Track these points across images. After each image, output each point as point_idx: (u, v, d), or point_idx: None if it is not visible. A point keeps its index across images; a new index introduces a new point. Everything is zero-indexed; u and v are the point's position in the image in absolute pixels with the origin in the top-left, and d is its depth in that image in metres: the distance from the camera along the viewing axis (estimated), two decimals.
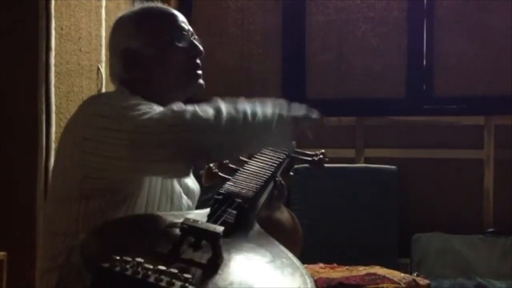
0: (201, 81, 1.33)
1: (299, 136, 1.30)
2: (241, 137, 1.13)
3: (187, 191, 1.36)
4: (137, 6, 1.35)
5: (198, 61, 1.32)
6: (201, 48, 1.32)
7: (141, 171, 1.15)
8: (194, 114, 1.07)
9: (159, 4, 1.37)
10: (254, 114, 1.12)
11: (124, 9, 2.84)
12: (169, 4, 3.14)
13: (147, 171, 1.16)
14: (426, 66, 3.09)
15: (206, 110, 1.08)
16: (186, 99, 1.30)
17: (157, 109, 1.12)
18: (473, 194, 2.94)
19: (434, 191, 2.99)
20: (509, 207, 2.88)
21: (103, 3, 2.68)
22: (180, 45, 1.30)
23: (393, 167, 2.94)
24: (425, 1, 3.10)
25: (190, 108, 1.09)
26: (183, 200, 1.32)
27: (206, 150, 1.08)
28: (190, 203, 1.36)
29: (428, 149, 3.03)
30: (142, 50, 1.29)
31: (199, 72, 1.33)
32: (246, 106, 1.13)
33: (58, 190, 1.24)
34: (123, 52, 1.30)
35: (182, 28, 1.32)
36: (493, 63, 3.01)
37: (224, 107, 1.10)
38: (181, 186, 1.34)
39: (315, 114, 1.29)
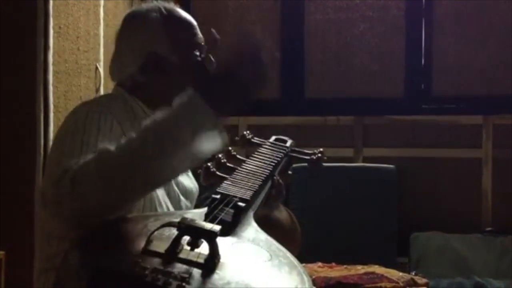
0: None
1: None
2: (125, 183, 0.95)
3: (185, 191, 1.36)
4: (160, 5, 1.32)
5: None
6: (214, 60, 1.34)
7: None
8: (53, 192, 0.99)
9: (180, 9, 1.35)
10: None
11: (123, 8, 2.85)
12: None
13: None
14: (424, 65, 3.10)
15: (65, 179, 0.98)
16: None
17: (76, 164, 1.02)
18: (471, 193, 2.95)
19: (433, 190, 2.99)
20: (507, 206, 2.89)
21: (102, 2, 2.68)
22: (200, 55, 1.31)
23: (391, 166, 2.94)
24: (423, 0, 3.10)
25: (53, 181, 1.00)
26: (181, 203, 1.32)
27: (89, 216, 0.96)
28: (189, 204, 1.35)
29: (427, 148, 3.03)
30: (168, 56, 1.28)
31: None
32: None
33: (47, 192, 1.23)
34: (148, 55, 1.28)
35: (201, 40, 1.34)
36: (492, 62, 3.01)
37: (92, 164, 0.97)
38: (178, 187, 1.34)
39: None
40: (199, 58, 1.31)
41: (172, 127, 0.96)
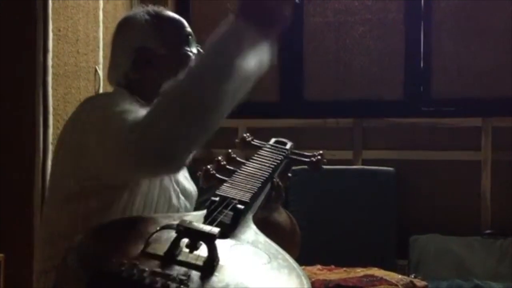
0: None
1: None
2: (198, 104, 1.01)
3: (184, 192, 1.37)
4: (148, 9, 1.39)
5: None
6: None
7: (129, 179, 1.19)
8: (144, 122, 1.03)
9: (168, 10, 1.42)
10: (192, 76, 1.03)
11: (122, 10, 2.86)
12: (167, 5, 3.14)
13: (134, 178, 1.19)
14: (423, 67, 3.10)
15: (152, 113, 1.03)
16: None
17: (136, 118, 1.09)
18: (470, 196, 2.94)
19: (432, 192, 2.99)
20: (507, 209, 2.89)
21: (101, 4, 2.68)
22: (190, 50, 1.36)
23: (390, 168, 2.94)
24: (422, 2, 3.10)
25: (143, 115, 1.05)
26: (180, 201, 1.33)
27: (175, 144, 1.01)
28: (188, 205, 1.36)
29: (426, 151, 3.03)
30: (156, 50, 1.33)
31: None
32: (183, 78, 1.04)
33: (56, 191, 1.25)
34: (137, 50, 1.33)
35: (191, 35, 1.39)
36: (491, 64, 3.01)
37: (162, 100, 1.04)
38: (178, 185, 1.35)
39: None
40: (188, 50, 1.36)
41: (217, 46, 1.03)
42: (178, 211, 1.31)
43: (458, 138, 3.01)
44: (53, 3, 2.27)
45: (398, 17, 3.13)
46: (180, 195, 1.34)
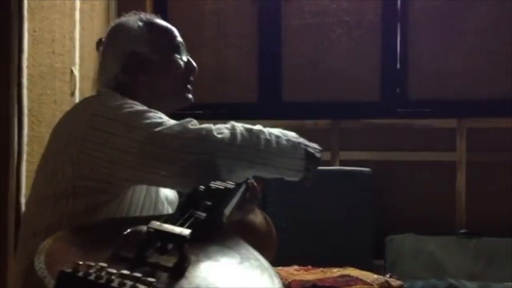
0: (190, 95, 1.41)
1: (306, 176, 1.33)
2: (253, 159, 1.17)
3: (167, 199, 1.37)
4: (141, 16, 1.42)
5: (192, 77, 1.42)
6: (195, 65, 1.43)
7: (145, 181, 1.20)
8: (209, 135, 1.13)
9: (160, 19, 1.45)
10: (269, 139, 1.21)
11: (99, 11, 2.84)
12: (145, 6, 3.13)
13: (151, 181, 1.20)
14: (399, 69, 3.13)
15: (221, 131, 1.15)
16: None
17: (167, 120, 1.16)
18: (445, 196, 2.98)
19: (408, 193, 3.02)
20: (481, 209, 2.93)
21: (77, 5, 2.66)
22: (180, 58, 1.39)
23: (367, 169, 2.97)
24: (398, 4, 3.13)
25: (204, 127, 1.15)
26: (164, 206, 1.33)
27: (216, 170, 1.13)
28: (170, 211, 1.36)
29: (402, 152, 3.06)
30: (148, 55, 1.35)
31: (190, 87, 1.42)
32: (262, 131, 1.22)
33: (44, 188, 1.23)
34: (128, 54, 1.34)
35: (182, 44, 1.42)
36: (466, 66, 3.05)
37: (239, 130, 1.18)
38: (161, 194, 1.34)
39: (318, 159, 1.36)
40: (178, 57, 1.38)
41: (282, 152, 1.28)
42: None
43: (433, 139, 3.04)
44: (28, 3, 2.25)
45: (375, 19, 3.15)
46: (165, 202, 1.34)
